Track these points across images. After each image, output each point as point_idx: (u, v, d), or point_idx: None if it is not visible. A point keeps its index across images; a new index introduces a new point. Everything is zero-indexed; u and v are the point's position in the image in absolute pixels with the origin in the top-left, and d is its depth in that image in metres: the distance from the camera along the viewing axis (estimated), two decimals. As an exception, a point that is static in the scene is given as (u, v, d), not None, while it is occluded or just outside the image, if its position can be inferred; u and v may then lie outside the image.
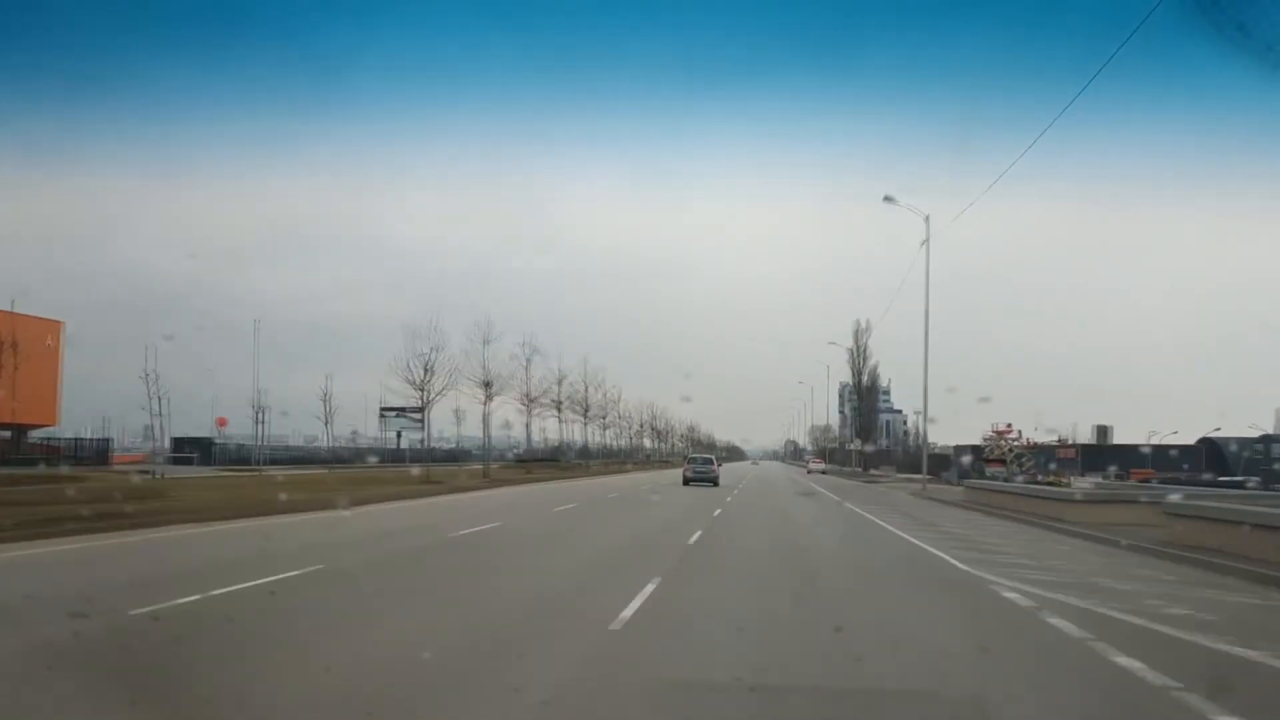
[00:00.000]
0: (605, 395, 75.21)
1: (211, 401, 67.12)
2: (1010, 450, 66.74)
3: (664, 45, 61.01)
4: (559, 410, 61.96)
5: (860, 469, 76.76)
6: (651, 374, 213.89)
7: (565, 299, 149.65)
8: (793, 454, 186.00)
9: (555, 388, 60.88)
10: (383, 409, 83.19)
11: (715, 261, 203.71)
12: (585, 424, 69.65)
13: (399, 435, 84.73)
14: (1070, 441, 70.66)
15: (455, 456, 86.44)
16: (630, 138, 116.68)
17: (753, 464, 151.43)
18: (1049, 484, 51.72)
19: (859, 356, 79.05)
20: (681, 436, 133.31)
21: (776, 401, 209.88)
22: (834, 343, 79.28)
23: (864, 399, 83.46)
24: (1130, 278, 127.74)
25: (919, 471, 64.52)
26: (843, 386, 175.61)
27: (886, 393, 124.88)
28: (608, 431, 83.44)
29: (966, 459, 72.58)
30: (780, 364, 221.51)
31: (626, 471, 74.86)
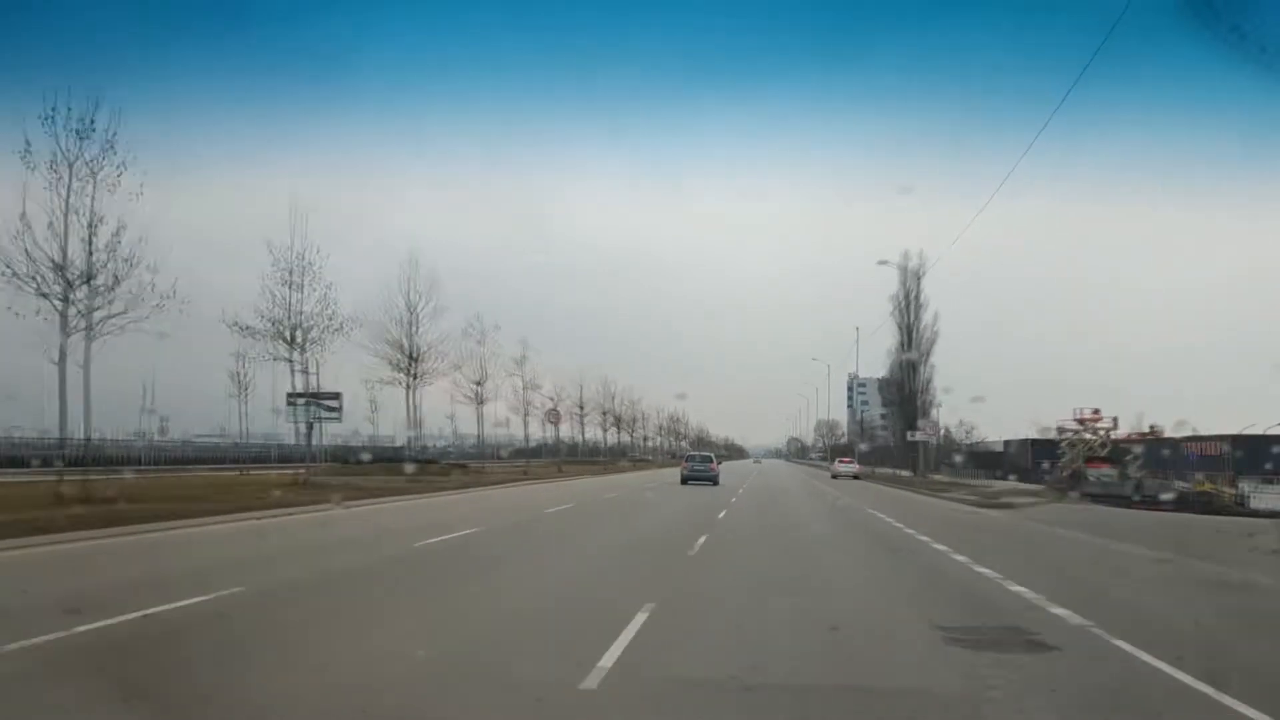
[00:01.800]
0: (485, 346, 46.18)
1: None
2: (1101, 444, 48.51)
3: (665, 42, 59.12)
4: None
5: (911, 471, 53.02)
6: (650, 371, 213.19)
7: (564, 297, 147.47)
8: (798, 451, 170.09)
9: (319, 312, 31.28)
10: (290, 395, 65.45)
11: (715, 259, 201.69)
12: (410, 388, 40.61)
13: (310, 428, 66.96)
14: (1194, 433, 51.65)
15: (396, 457, 68.38)
16: (631, 134, 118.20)
17: (754, 463, 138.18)
18: (1205, 492, 33.05)
19: (908, 307, 54.60)
20: (662, 428, 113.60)
21: (777, 399, 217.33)
22: (885, 260, 53.89)
23: (915, 366, 56.63)
24: (1128, 276, 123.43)
25: (1011, 474, 43.11)
26: (851, 378, 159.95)
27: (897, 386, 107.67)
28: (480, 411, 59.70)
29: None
30: (781, 362, 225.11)
31: (517, 483, 42.44)
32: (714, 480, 43.10)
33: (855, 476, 57.97)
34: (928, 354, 54.53)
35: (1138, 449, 46.33)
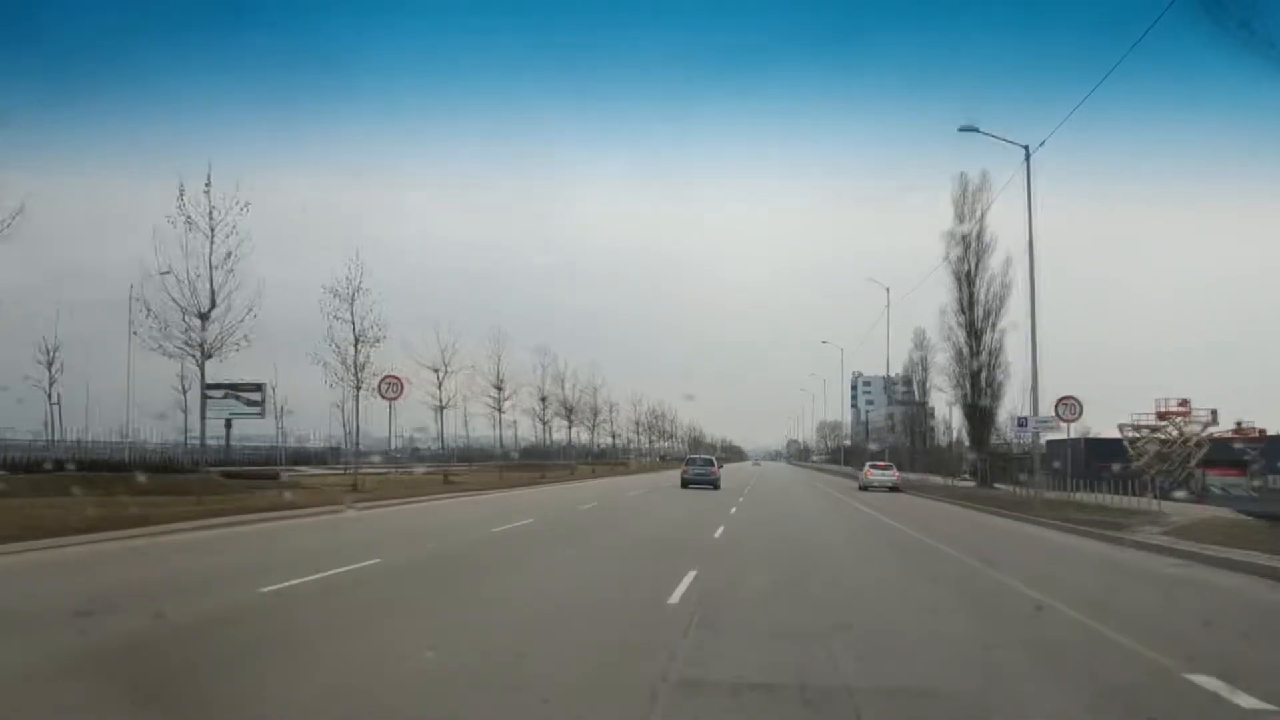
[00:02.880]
0: (216, 242, 25.72)
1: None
2: (1197, 443, 38.03)
3: (667, 44, 58.95)
4: None
5: (974, 479, 39.17)
6: (649, 374, 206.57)
7: (565, 298, 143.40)
8: (799, 454, 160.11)
9: None
10: (206, 386, 54.16)
11: (716, 260, 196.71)
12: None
13: (228, 425, 55.98)
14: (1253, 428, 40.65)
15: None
16: (633, 134, 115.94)
17: (754, 464, 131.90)
18: None
19: (968, 251, 38.37)
20: (641, 425, 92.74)
21: (776, 401, 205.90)
22: (971, 126, 26.74)
23: (982, 327, 39.23)
24: (1129, 275, 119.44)
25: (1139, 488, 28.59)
26: (855, 377, 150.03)
27: (909, 382, 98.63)
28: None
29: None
30: (781, 363, 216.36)
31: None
32: (715, 484, 40.27)
33: (895, 488, 40.88)
34: (996, 313, 37.92)
35: (1252, 450, 35.97)
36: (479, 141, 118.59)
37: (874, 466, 44.43)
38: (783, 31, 63.42)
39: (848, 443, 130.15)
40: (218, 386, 53.90)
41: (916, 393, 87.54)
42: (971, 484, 37.80)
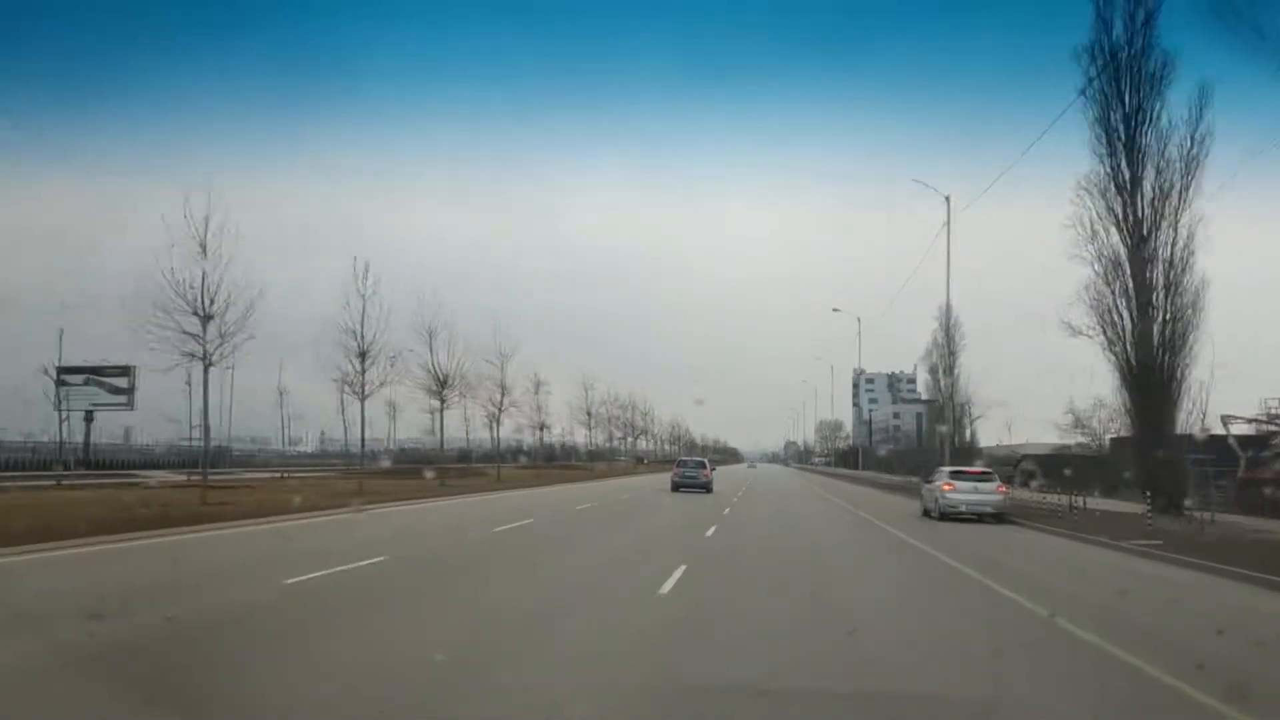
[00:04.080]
0: None
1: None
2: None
3: (672, 47, 53.99)
4: None
5: (1147, 499, 19.85)
6: (648, 374, 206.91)
7: (565, 299, 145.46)
8: (798, 455, 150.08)
9: None
10: (61, 370, 41.58)
11: (716, 261, 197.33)
12: None
13: (88, 418, 43.38)
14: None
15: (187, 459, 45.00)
16: (635, 137, 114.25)
17: (749, 466, 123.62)
18: None
19: (1133, 85, 20.61)
20: (595, 417, 70.47)
21: (774, 403, 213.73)
22: None
23: (1156, 216, 20.79)
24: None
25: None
26: (857, 375, 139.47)
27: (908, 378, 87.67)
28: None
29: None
30: (779, 363, 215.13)
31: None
32: (707, 488, 39.97)
33: (997, 514, 23.81)
34: (1183, 191, 20.86)
35: None
36: (481, 144, 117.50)
37: (958, 476, 25.14)
38: (784, 34, 63.39)
39: (849, 444, 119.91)
40: (77, 370, 42.01)
41: (941, 384, 75.34)
42: (1124, 505, 22.69)
